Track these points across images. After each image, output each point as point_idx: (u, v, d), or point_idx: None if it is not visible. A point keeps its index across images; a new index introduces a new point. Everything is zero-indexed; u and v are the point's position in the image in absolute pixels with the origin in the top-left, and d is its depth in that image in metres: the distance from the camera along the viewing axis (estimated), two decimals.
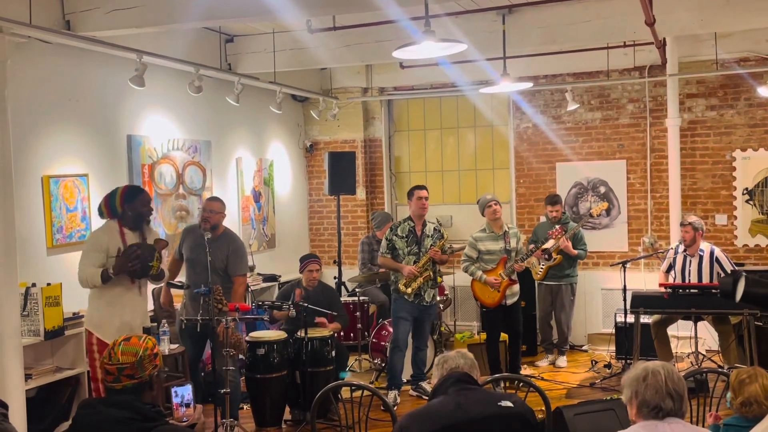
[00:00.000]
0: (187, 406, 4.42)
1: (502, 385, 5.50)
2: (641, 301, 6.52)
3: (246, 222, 8.12)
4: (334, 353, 5.98)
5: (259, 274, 7.90)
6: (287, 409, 6.02)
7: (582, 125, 8.58)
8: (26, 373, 4.88)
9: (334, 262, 8.72)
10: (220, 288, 5.35)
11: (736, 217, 8.05)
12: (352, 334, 7.38)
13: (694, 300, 6.38)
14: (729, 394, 3.51)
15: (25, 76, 5.40)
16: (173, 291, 5.89)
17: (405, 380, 6.63)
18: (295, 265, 6.76)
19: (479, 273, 6.84)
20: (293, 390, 5.91)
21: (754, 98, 7.90)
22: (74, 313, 5.32)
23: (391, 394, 6.33)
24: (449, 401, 2.88)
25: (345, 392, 4.35)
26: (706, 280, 6.78)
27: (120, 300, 4.93)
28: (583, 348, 8.26)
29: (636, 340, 6.58)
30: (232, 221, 7.87)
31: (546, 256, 7.37)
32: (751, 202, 8.00)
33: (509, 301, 6.86)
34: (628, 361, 7.01)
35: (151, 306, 5.69)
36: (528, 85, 7.19)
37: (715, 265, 6.78)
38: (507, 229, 6.93)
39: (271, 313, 6.34)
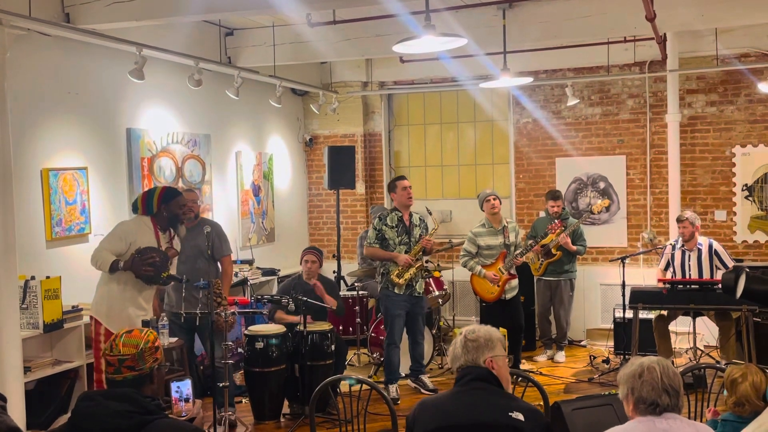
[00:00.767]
0: (186, 401, 4.43)
1: None
2: (640, 297, 6.53)
3: (245, 216, 8.12)
4: (333, 347, 5.99)
5: (258, 268, 7.91)
6: (286, 402, 6.03)
7: (582, 120, 8.57)
8: (25, 366, 4.89)
9: (334, 256, 8.72)
10: (219, 282, 5.36)
11: (735, 213, 8.05)
12: (351, 328, 7.39)
13: (693, 296, 6.40)
14: (725, 391, 3.52)
15: (25, 69, 5.39)
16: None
17: (403, 374, 6.64)
18: (294, 259, 6.78)
19: (478, 268, 6.85)
20: (292, 384, 5.92)
21: (754, 94, 7.90)
22: (73, 306, 5.33)
23: (392, 388, 6.34)
24: (462, 399, 2.79)
25: (344, 386, 4.37)
26: (706, 273, 6.79)
27: (132, 293, 4.95)
28: (582, 343, 8.27)
29: (634, 336, 6.59)
30: (231, 215, 7.89)
31: (544, 251, 7.38)
32: (750, 198, 8.00)
33: (508, 296, 6.88)
34: (627, 356, 7.03)
35: None
36: (528, 80, 7.18)
37: (714, 258, 6.80)
38: (506, 224, 6.94)
39: (273, 312, 6.36)
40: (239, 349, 6.51)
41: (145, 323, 4.95)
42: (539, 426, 2.72)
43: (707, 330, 7.37)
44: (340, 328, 7.32)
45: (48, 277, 5.07)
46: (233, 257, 6.73)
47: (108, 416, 2.39)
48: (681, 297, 6.43)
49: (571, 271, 7.60)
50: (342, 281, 8.28)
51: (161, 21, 5.74)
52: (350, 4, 6.10)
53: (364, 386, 3.74)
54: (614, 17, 6.48)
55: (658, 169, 8.28)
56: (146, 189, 5.39)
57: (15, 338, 4.68)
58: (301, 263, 6.59)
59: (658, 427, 2.45)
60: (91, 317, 5.01)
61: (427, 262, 6.39)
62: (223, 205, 7.73)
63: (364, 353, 7.42)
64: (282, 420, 5.91)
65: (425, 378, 6.56)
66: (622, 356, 7.20)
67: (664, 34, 7.33)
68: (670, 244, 7.10)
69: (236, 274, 7.22)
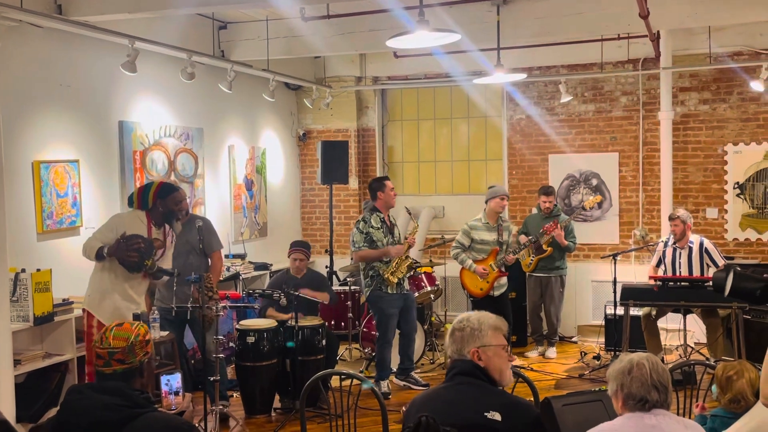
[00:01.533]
0: (177, 394, 4.42)
1: None
2: (631, 294, 6.56)
3: (238, 210, 8.10)
4: (324, 342, 5.99)
5: (250, 263, 7.89)
6: (277, 397, 6.03)
7: (575, 117, 8.58)
8: (15, 359, 4.86)
9: (326, 251, 8.72)
10: (210, 276, 5.35)
11: (726, 211, 8.08)
12: (342, 323, 7.39)
13: (684, 293, 6.43)
14: (714, 388, 3.53)
15: (16, 61, 5.36)
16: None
17: (394, 369, 6.66)
18: (287, 253, 6.76)
19: (469, 261, 6.85)
20: (283, 378, 5.92)
21: (746, 92, 7.92)
22: (64, 299, 5.31)
23: (383, 384, 6.34)
24: (443, 397, 2.70)
25: (335, 381, 4.37)
26: (696, 271, 6.82)
27: (123, 286, 4.93)
28: (573, 339, 8.30)
29: (625, 332, 6.62)
30: (223, 209, 7.87)
31: (535, 248, 7.40)
32: (741, 196, 8.03)
33: (497, 293, 6.89)
34: (617, 352, 7.05)
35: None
36: (522, 76, 7.18)
37: (705, 256, 6.82)
38: (501, 222, 6.96)
39: (264, 310, 6.36)
40: (230, 344, 6.51)
41: (136, 317, 4.93)
42: (525, 422, 2.60)
43: (697, 327, 7.41)
44: (332, 323, 7.32)
45: (39, 270, 5.04)
46: (225, 252, 6.72)
47: (97, 409, 2.39)
48: (671, 294, 6.46)
49: (561, 268, 7.62)
50: (334, 276, 8.28)
51: (154, 14, 5.72)
52: None
53: (355, 381, 3.74)
54: (608, 14, 6.49)
55: (651, 167, 8.30)
56: (143, 184, 5.36)
57: (5, 331, 4.65)
58: (288, 257, 6.58)
59: (646, 423, 2.46)
60: (84, 309, 5.00)
61: (406, 257, 6.40)
62: (215, 200, 7.71)
63: (355, 348, 7.43)
64: (273, 414, 5.91)
65: (415, 374, 6.57)
66: (612, 353, 7.23)
67: (658, 31, 7.34)
68: (662, 242, 7.12)
69: (228, 269, 7.21)
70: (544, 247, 7.41)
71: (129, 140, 6.42)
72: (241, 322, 6.06)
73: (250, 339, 5.79)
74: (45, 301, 5.04)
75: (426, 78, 9.08)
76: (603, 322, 7.68)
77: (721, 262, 6.77)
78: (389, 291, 6.29)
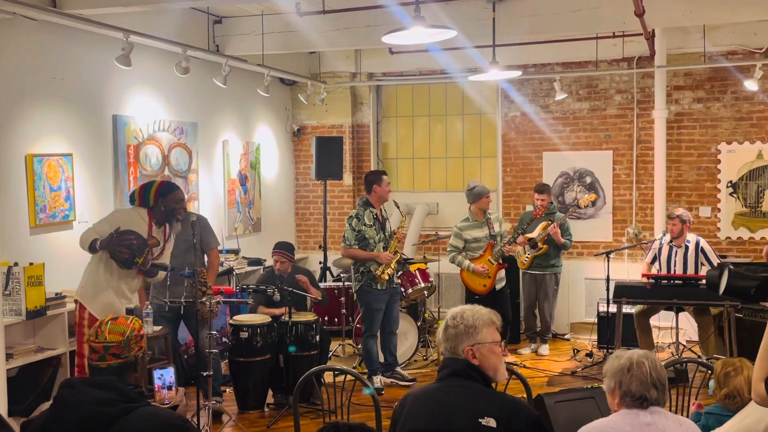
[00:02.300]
0: (169, 388, 4.42)
1: None
2: (624, 291, 6.58)
3: (231, 205, 8.09)
4: (318, 338, 5.99)
5: (244, 258, 7.88)
6: (270, 392, 6.03)
7: (570, 115, 8.59)
8: (7, 353, 4.85)
9: (320, 247, 8.71)
10: (204, 270, 5.34)
11: (719, 210, 8.11)
12: (336, 319, 7.39)
13: (676, 291, 6.45)
14: (712, 383, 3.54)
15: (10, 54, 5.33)
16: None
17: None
18: None
19: (466, 262, 6.86)
20: (276, 374, 5.92)
21: (740, 92, 7.94)
22: (57, 293, 5.29)
23: (376, 379, 6.35)
24: (437, 399, 2.63)
25: (328, 376, 4.37)
26: (691, 270, 6.84)
27: (117, 282, 4.91)
28: (566, 337, 8.32)
29: (618, 330, 6.64)
30: (217, 204, 7.85)
31: (531, 244, 7.41)
32: (734, 195, 8.06)
33: (497, 286, 6.91)
34: (610, 350, 7.07)
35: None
36: (517, 73, 7.19)
37: (700, 255, 6.84)
38: (489, 216, 6.97)
39: (255, 308, 6.34)
40: (224, 339, 6.50)
41: (129, 311, 4.92)
42: (521, 425, 2.53)
43: (690, 325, 7.43)
44: (325, 318, 7.32)
45: (31, 264, 5.03)
46: (218, 247, 6.69)
47: (90, 404, 2.38)
48: (664, 292, 6.48)
49: (556, 266, 7.64)
50: (328, 272, 8.27)
51: (149, 7, 5.69)
52: None
53: (348, 376, 3.74)
54: (603, 12, 6.50)
55: (644, 165, 8.32)
56: (144, 182, 5.31)
57: None
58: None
59: (642, 421, 2.47)
60: (76, 301, 4.97)
61: (395, 252, 6.40)
62: (209, 194, 7.69)
63: (348, 344, 7.43)
64: (266, 410, 5.91)
65: (400, 369, 6.58)
66: (605, 350, 7.25)
67: (653, 30, 7.35)
68: (658, 239, 7.14)
69: (222, 264, 7.19)
70: (540, 244, 7.42)
71: (123, 134, 6.39)
72: (235, 317, 6.05)
73: (244, 334, 5.79)
74: (37, 295, 5.02)
75: (421, 74, 9.07)
76: (596, 320, 7.70)
77: (716, 262, 6.80)
78: (379, 287, 6.30)
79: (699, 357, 6.66)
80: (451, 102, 9.20)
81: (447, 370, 2.66)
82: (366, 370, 6.46)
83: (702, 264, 6.84)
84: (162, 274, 5.13)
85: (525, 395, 3.73)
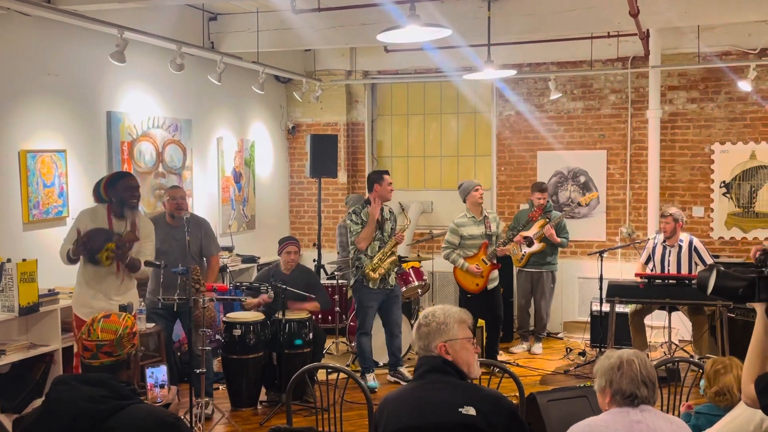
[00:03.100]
0: (162, 386, 4.41)
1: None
2: (617, 291, 6.59)
3: (226, 202, 8.08)
4: (311, 335, 5.99)
5: (238, 255, 7.88)
6: (263, 390, 6.03)
7: (564, 114, 8.61)
8: (0, 349, 4.85)
9: (314, 245, 8.71)
10: (198, 268, 5.33)
11: (712, 210, 8.14)
12: (330, 317, 7.39)
13: (669, 290, 6.47)
14: (703, 382, 3.56)
15: (4, 49, 5.31)
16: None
17: (381, 363, 6.67)
18: (274, 246, 6.74)
19: (461, 261, 6.86)
20: (269, 371, 5.92)
21: (734, 92, 7.97)
22: (50, 290, 5.28)
23: (369, 377, 6.35)
24: (415, 396, 2.67)
25: (321, 374, 4.37)
26: (684, 270, 6.86)
27: (99, 285, 4.91)
28: (559, 335, 8.34)
29: (611, 329, 6.66)
30: (211, 202, 7.84)
31: (527, 243, 7.42)
32: (728, 195, 8.09)
33: (490, 286, 6.92)
34: (603, 349, 7.09)
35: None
36: (512, 72, 7.19)
37: (694, 255, 6.86)
38: (486, 214, 6.97)
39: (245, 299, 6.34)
40: (217, 336, 6.50)
41: (122, 308, 4.92)
42: (499, 414, 2.56)
43: (682, 325, 7.46)
44: (319, 316, 7.31)
45: (24, 260, 5.02)
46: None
47: (82, 400, 2.37)
48: (658, 291, 6.50)
49: (553, 264, 7.66)
50: (322, 270, 8.27)
51: (144, 3, 5.68)
52: None
53: (341, 374, 3.75)
54: (598, 12, 6.51)
55: (638, 165, 8.34)
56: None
57: None
58: (279, 253, 6.50)
59: (632, 419, 2.49)
60: (72, 311, 5.01)
61: (390, 254, 6.40)
62: (203, 192, 7.68)
63: (342, 342, 7.43)
64: (259, 407, 5.91)
65: (403, 370, 6.58)
66: (598, 349, 7.27)
67: (647, 30, 7.37)
68: (652, 239, 7.16)
69: None
70: (536, 242, 7.43)
71: (117, 131, 6.38)
72: (228, 315, 6.05)
73: (237, 332, 5.78)
74: (30, 292, 5.01)
75: (416, 73, 9.08)
76: (589, 319, 7.71)
77: (709, 261, 6.81)
78: (370, 286, 6.31)
79: (691, 356, 6.68)
80: (446, 101, 9.21)
81: (423, 368, 2.70)
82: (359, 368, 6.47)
83: (696, 264, 6.85)
84: (146, 269, 5.11)
85: (517, 393, 3.74)
